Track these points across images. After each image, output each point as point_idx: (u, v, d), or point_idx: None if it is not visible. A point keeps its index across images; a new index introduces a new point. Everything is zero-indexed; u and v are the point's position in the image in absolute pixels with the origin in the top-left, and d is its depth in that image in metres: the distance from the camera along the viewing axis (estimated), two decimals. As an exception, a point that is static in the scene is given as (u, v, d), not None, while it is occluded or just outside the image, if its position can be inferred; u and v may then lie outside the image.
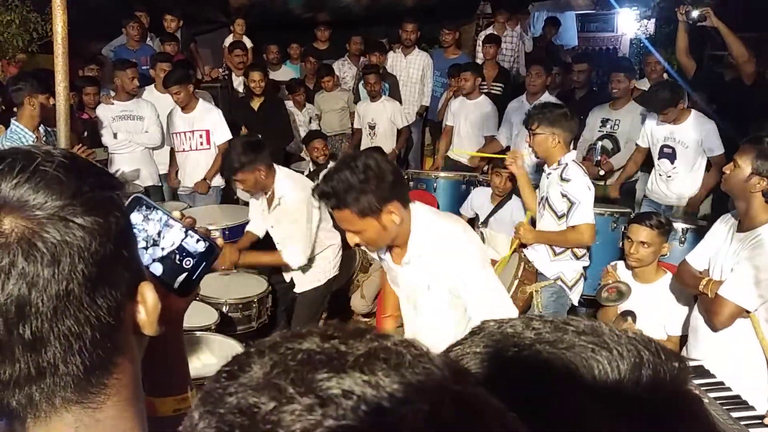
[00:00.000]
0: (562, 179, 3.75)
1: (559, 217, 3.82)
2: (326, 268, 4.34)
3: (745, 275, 2.86)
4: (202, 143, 5.84)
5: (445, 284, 2.48)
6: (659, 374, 0.63)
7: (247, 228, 4.52)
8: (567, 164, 3.78)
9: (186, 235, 0.89)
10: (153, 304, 0.76)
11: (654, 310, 3.55)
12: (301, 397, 0.44)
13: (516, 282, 3.90)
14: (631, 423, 0.60)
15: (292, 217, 4.00)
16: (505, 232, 4.65)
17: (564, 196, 3.74)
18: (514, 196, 4.81)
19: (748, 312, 2.90)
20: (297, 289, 4.36)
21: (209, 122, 5.79)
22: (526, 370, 0.64)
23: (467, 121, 6.46)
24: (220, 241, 0.92)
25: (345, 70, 8.15)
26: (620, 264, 3.82)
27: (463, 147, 6.49)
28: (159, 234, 0.89)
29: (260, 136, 4.53)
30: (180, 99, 5.64)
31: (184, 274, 0.90)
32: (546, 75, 6.08)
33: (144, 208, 0.90)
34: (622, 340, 0.65)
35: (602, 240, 4.35)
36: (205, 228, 0.94)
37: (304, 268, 4.23)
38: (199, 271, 0.90)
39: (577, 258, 3.94)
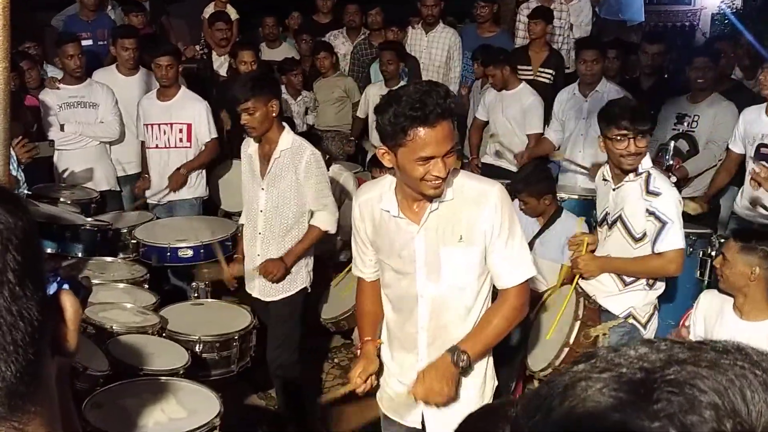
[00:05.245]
0: (649, 192, 3.71)
1: (637, 240, 3.78)
2: (302, 274, 4.42)
3: None
4: (181, 139, 5.85)
5: (480, 231, 2.76)
6: None
7: (240, 221, 4.64)
8: (650, 173, 3.75)
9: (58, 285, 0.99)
10: (74, 312, 0.91)
11: None
12: None
13: (578, 324, 3.85)
14: None
15: (309, 170, 4.17)
16: (552, 259, 4.60)
17: (651, 213, 3.70)
18: (565, 213, 4.75)
19: None
20: (269, 297, 4.37)
21: (192, 114, 5.82)
22: (661, 393, 0.64)
23: (505, 115, 6.46)
24: (87, 282, 1.06)
25: (338, 45, 8.16)
26: (713, 293, 3.76)
27: (502, 146, 6.48)
28: None
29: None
30: (166, 76, 5.69)
31: None
32: (603, 59, 6.08)
33: None
34: None
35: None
36: (71, 272, 1.04)
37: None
38: None
39: (651, 287, 3.90)
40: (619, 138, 3.67)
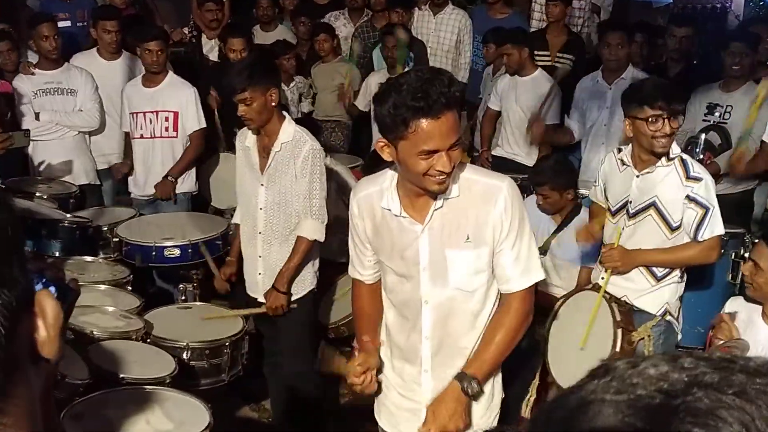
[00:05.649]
0: (690, 178, 3.77)
1: (673, 230, 3.83)
2: (308, 276, 4.42)
3: None
4: (167, 128, 5.84)
5: (489, 230, 2.77)
6: None
7: (234, 220, 4.65)
8: (683, 158, 3.81)
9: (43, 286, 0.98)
10: (54, 315, 0.87)
11: None
12: None
13: (620, 331, 3.81)
14: None
15: (305, 166, 4.13)
16: (570, 261, 4.58)
17: (693, 200, 3.75)
18: (584, 210, 4.73)
19: None
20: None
21: (179, 101, 5.82)
22: (681, 424, 0.62)
23: (519, 104, 6.44)
24: (75, 284, 1.08)
25: (339, 27, 8.12)
26: (739, 300, 3.75)
27: (515, 137, 6.46)
28: None
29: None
30: (156, 62, 5.70)
31: None
32: (629, 43, 6.08)
33: None
34: None
35: (707, 270, 4.29)
36: (58, 271, 1.03)
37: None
38: None
39: (681, 279, 3.96)
40: (652, 119, 3.69)
